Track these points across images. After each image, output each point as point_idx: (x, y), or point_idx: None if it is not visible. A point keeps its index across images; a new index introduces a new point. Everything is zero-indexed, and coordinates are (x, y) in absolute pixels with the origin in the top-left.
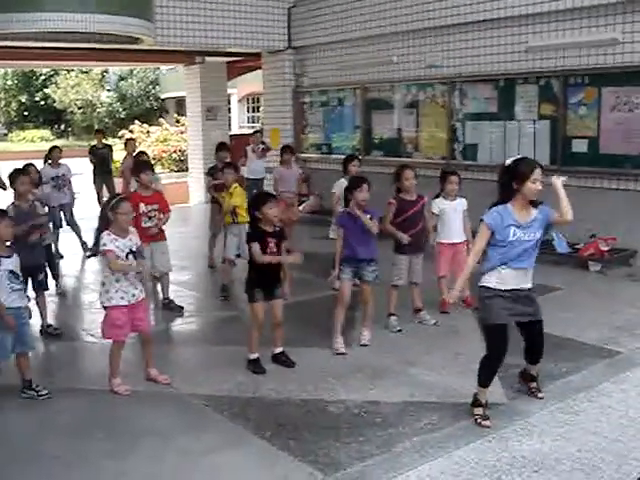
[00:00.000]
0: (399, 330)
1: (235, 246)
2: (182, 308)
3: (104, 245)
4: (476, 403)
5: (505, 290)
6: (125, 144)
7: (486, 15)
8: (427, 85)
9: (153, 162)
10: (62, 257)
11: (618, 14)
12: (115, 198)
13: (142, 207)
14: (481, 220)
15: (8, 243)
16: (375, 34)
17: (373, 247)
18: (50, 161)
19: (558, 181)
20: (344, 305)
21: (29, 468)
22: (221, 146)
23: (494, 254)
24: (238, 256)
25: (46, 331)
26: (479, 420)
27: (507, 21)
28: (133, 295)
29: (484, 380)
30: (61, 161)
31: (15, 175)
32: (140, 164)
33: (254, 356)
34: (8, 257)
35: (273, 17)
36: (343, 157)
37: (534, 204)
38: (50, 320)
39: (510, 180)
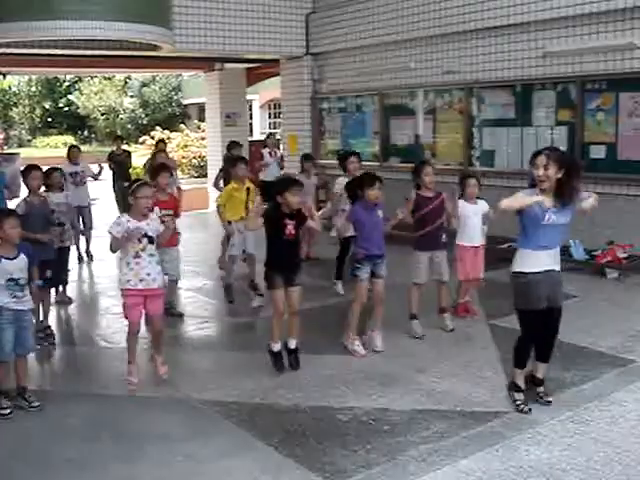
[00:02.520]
0: (422, 336)
1: (240, 243)
2: (182, 315)
3: (111, 228)
4: (515, 387)
5: (539, 272)
6: (156, 145)
7: (503, 21)
8: (445, 91)
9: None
10: (92, 258)
11: (635, 19)
12: (135, 183)
13: (157, 211)
14: None
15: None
16: (393, 40)
17: (383, 242)
18: (71, 159)
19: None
20: (361, 303)
21: (42, 470)
22: (233, 144)
23: (526, 235)
24: (243, 252)
25: (40, 329)
26: (521, 406)
27: (524, 27)
28: (141, 280)
29: (520, 361)
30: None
31: (27, 170)
32: (158, 167)
33: (276, 347)
34: (12, 259)
35: (291, 23)
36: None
37: (562, 198)
38: (64, 325)
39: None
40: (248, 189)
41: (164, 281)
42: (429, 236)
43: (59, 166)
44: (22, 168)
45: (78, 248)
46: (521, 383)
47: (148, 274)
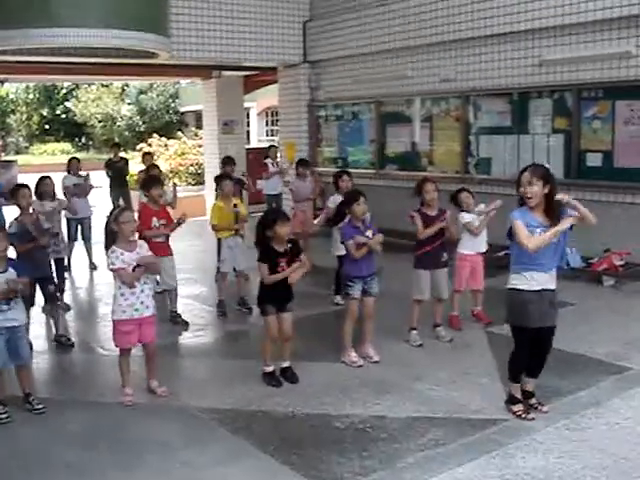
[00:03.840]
0: (420, 344)
1: (231, 260)
2: (187, 324)
3: (112, 264)
4: (513, 401)
5: (535, 291)
6: (142, 158)
7: (500, 29)
8: (441, 99)
9: (170, 175)
10: (96, 268)
11: (631, 27)
12: (115, 210)
13: (154, 221)
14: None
15: (9, 255)
16: (390, 48)
17: (374, 261)
18: (71, 171)
19: (565, 197)
20: (352, 320)
21: (41, 476)
22: (226, 160)
23: (522, 255)
24: (234, 269)
25: (59, 341)
26: (523, 415)
27: (521, 35)
28: (137, 310)
29: (515, 375)
30: (82, 172)
31: (16, 189)
32: (150, 179)
33: (269, 369)
34: (1, 272)
35: (289, 31)
36: (357, 171)
37: (553, 216)
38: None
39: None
40: (235, 205)
41: (155, 307)
42: (430, 255)
43: (64, 175)
44: (11, 188)
45: (69, 258)
46: (519, 395)
47: (142, 302)
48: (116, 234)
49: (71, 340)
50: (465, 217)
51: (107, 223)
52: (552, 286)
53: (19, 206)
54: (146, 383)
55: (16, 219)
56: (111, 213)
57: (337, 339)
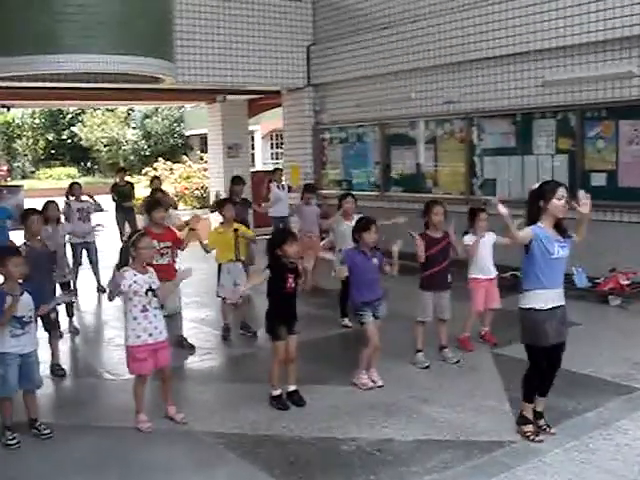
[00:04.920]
0: (427, 366)
1: (231, 284)
2: (193, 347)
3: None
4: (523, 421)
5: (549, 309)
6: (151, 182)
7: (502, 50)
8: (445, 121)
9: (176, 199)
10: (104, 291)
11: (634, 47)
12: (136, 234)
13: (155, 244)
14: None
15: (20, 281)
16: (393, 71)
17: (379, 286)
18: (73, 197)
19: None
20: (374, 347)
21: None
22: (236, 179)
23: (534, 274)
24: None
25: (53, 370)
26: (532, 437)
27: (523, 56)
28: (150, 335)
29: (529, 395)
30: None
31: (27, 214)
32: (152, 203)
33: (276, 392)
34: (17, 296)
35: (292, 55)
36: (361, 193)
37: (562, 232)
38: (68, 357)
39: (537, 200)
40: (236, 230)
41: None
42: (436, 277)
43: (68, 201)
44: (22, 211)
45: (75, 282)
46: (530, 416)
47: (156, 327)
48: (131, 257)
49: (62, 370)
50: (466, 239)
51: (125, 247)
52: (562, 302)
53: (29, 231)
54: (154, 407)
55: (25, 244)
56: (129, 238)
57: (344, 362)
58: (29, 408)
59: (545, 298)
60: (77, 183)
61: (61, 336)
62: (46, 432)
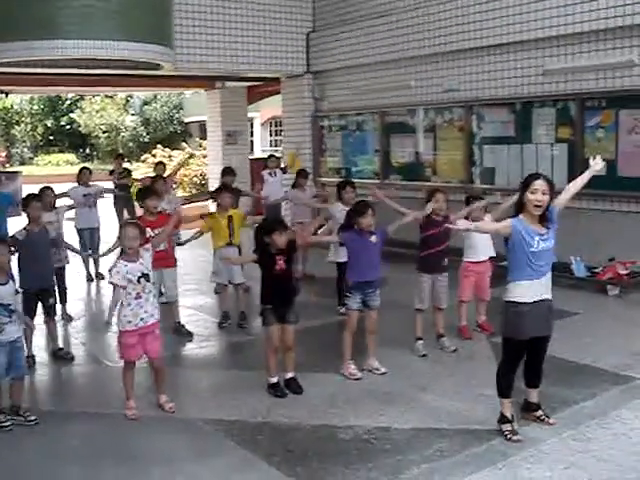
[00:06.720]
0: (424, 355)
1: (226, 271)
2: (192, 334)
3: (112, 278)
4: (503, 420)
5: (531, 303)
6: (155, 167)
7: (502, 39)
8: (445, 109)
9: (174, 186)
10: (103, 277)
11: (634, 36)
12: (123, 224)
13: (149, 232)
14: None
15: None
16: (393, 59)
17: (379, 268)
18: (81, 182)
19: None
20: (351, 332)
21: None
22: (226, 171)
23: (517, 266)
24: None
25: (57, 354)
26: (509, 436)
27: (524, 44)
28: (142, 319)
29: (503, 391)
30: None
31: (28, 200)
32: (145, 191)
33: (274, 380)
34: (3, 284)
35: (292, 42)
36: (361, 181)
37: (545, 222)
38: (64, 343)
39: (521, 192)
40: (230, 216)
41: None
42: (432, 258)
43: (73, 186)
44: (23, 197)
45: (88, 268)
46: (508, 413)
47: (146, 311)
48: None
49: (70, 353)
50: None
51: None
52: (548, 295)
53: (29, 216)
54: (150, 395)
55: (24, 228)
56: (121, 227)
57: (340, 350)
58: (14, 395)
59: (529, 289)
60: (87, 168)
61: (70, 319)
62: (31, 419)
